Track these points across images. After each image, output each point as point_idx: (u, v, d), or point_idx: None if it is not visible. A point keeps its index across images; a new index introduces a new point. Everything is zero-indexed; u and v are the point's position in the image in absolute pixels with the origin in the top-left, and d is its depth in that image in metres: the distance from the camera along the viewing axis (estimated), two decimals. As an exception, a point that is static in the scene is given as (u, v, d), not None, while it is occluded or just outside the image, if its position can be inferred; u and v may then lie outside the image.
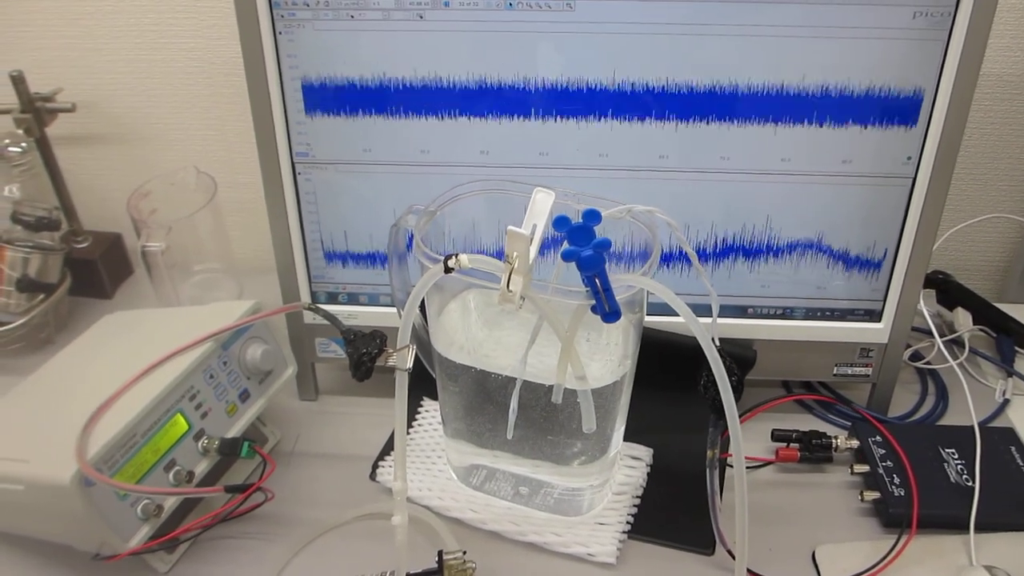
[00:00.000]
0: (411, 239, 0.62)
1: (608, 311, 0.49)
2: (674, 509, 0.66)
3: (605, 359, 0.58)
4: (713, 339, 0.52)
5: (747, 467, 0.70)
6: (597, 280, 0.48)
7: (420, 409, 0.75)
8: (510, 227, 0.47)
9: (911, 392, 0.76)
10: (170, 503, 0.58)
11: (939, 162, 0.62)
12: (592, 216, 0.47)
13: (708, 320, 0.56)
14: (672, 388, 0.70)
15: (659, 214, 0.54)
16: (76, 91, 0.87)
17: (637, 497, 0.66)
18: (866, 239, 0.66)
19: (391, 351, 0.53)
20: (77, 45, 0.89)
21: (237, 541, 0.64)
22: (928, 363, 0.78)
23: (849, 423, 0.72)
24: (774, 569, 0.60)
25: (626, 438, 0.68)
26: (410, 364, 0.52)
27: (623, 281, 0.49)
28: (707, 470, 0.61)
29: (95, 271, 0.89)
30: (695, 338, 0.69)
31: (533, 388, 0.58)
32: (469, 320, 0.62)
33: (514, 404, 0.58)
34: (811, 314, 0.70)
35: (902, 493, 0.62)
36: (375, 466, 0.70)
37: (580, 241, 0.47)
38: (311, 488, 0.69)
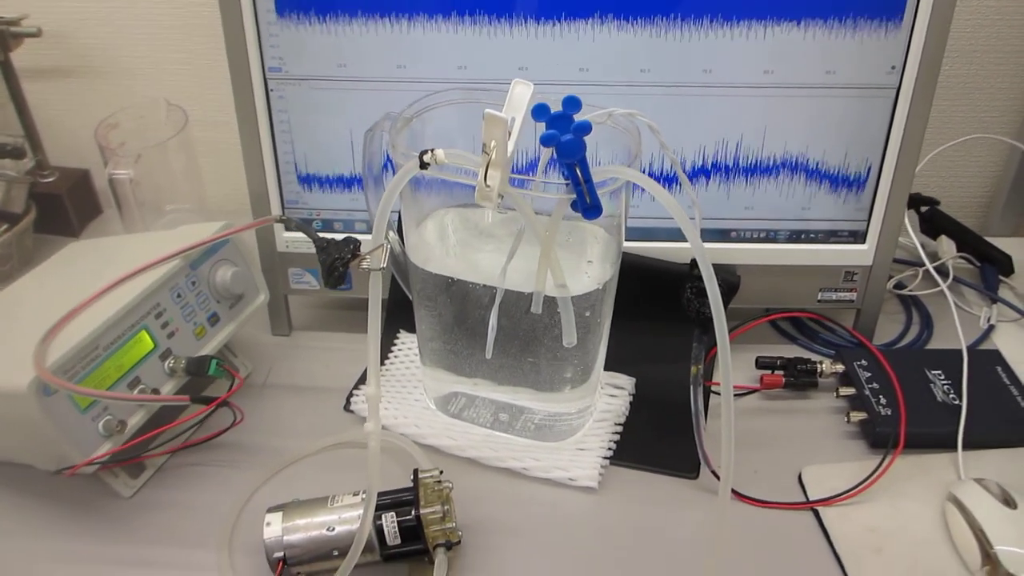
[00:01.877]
0: (389, 159, 0.60)
1: (589, 205, 0.47)
2: (657, 436, 0.64)
3: (584, 267, 0.56)
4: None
5: (737, 394, 0.69)
6: (578, 170, 0.46)
7: (396, 342, 0.73)
8: (487, 111, 0.45)
9: (895, 322, 0.75)
10: (134, 422, 0.56)
11: (923, 70, 0.60)
12: (572, 104, 0.45)
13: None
14: (654, 318, 0.69)
15: (640, 117, 0.52)
16: (42, 20, 0.84)
17: (619, 424, 0.65)
18: (850, 156, 0.65)
19: (364, 254, 0.51)
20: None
21: (204, 468, 0.62)
22: (912, 292, 0.77)
23: (833, 351, 0.71)
24: (760, 490, 0.58)
25: (608, 368, 0.66)
26: (384, 263, 0.50)
27: (606, 173, 0.47)
28: (691, 388, 0.59)
29: (61, 207, 0.86)
30: (676, 265, 0.68)
31: (512, 304, 0.56)
32: (447, 243, 0.60)
33: (493, 320, 0.56)
34: (795, 236, 0.69)
35: (889, 412, 0.61)
36: (350, 396, 0.68)
37: (560, 128, 0.45)
38: (282, 418, 0.67)
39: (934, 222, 0.81)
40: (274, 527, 0.52)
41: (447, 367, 0.63)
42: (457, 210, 0.59)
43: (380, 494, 0.53)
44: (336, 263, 0.53)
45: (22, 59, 0.85)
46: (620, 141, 0.53)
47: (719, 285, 0.47)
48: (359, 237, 0.56)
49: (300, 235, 0.71)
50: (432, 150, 0.47)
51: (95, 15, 0.89)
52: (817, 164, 0.65)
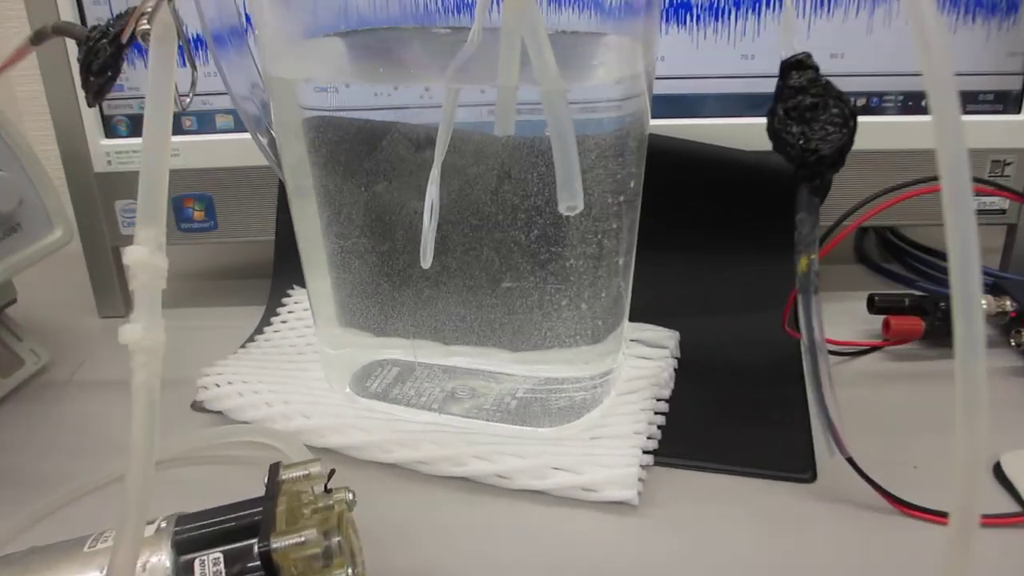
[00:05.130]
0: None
1: None
2: (727, 415, 0.37)
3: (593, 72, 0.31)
4: None
5: (841, 354, 0.42)
6: None
7: (286, 300, 0.46)
8: None
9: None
10: None
11: None
12: None
13: None
14: (705, 246, 0.44)
15: None
16: None
17: (661, 400, 0.37)
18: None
19: (144, 9, 0.25)
20: None
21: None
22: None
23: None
24: (930, 496, 0.31)
25: (640, 318, 0.40)
26: (177, 28, 0.24)
27: None
28: (800, 309, 0.32)
29: None
30: (739, 153, 0.43)
31: (466, 154, 0.30)
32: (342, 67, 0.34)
33: (434, 191, 0.30)
34: (907, 104, 0.44)
35: None
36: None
37: None
38: (87, 428, 0.39)
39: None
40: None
41: (363, 316, 0.36)
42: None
43: (197, 515, 0.25)
44: (98, 42, 0.26)
45: None
46: None
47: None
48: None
49: (131, 144, 0.45)
50: None
51: None
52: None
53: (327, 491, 0.27)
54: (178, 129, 0.45)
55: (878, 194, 0.39)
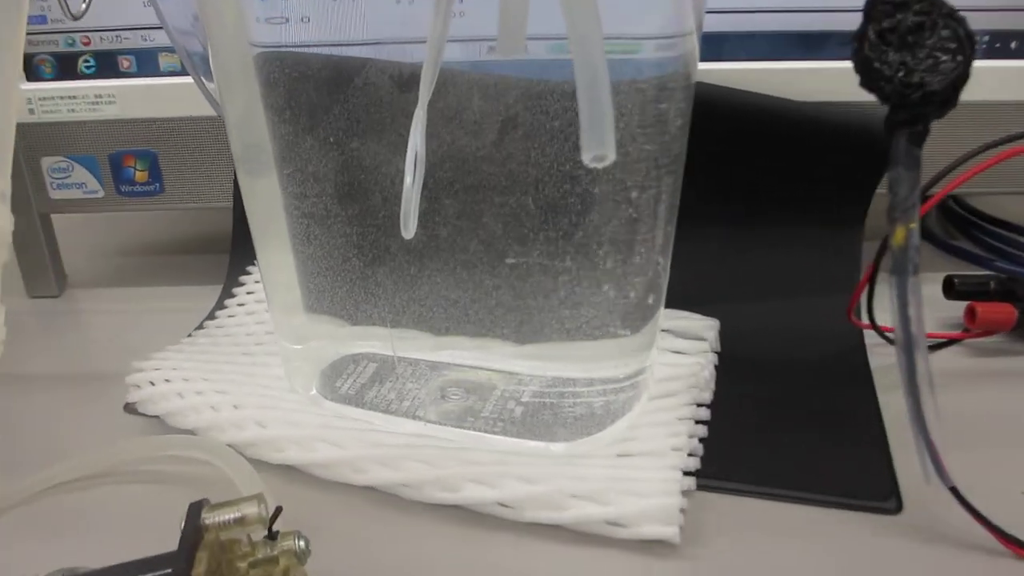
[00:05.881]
0: None
1: None
2: (783, 427, 0.30)
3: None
4: None
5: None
6: None
7: (246, 279, 0.39)
8: None
9: None
10: None
11: None
12: None
13: None
14: (750, 215, 0.37)
15: None
16: None
17: (702, 406, 0.30)
18: None
19: None
20: None
21: None
22: None
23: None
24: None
25: (671, 304, 0.33)
26: None
27: None
28: (893, 294, 0.25)
29: None
30: (795, 107, 0.35)
31: (461, 108, 0.23)
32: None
33: (419, 139, 0.23)
34: (998, 44, 0.36)
35: None
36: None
37: None
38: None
39: None
40: None
41: (331, 300, 0.29)
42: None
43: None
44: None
45: None
46: None
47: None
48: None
49: (60, 89, 0.37)
50: None
51: None
52: None
53: (271, 535, 0.20)
54: (113, 70, 0.37)
55: (973, 153, 0.31)
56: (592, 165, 0.21)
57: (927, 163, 0.33)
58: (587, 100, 0.20)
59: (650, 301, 0.27)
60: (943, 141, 0.36)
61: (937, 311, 0.36)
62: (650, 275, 0.27)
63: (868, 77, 0.24)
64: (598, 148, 0.21)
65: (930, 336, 0.35)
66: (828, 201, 0.36)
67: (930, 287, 0.37)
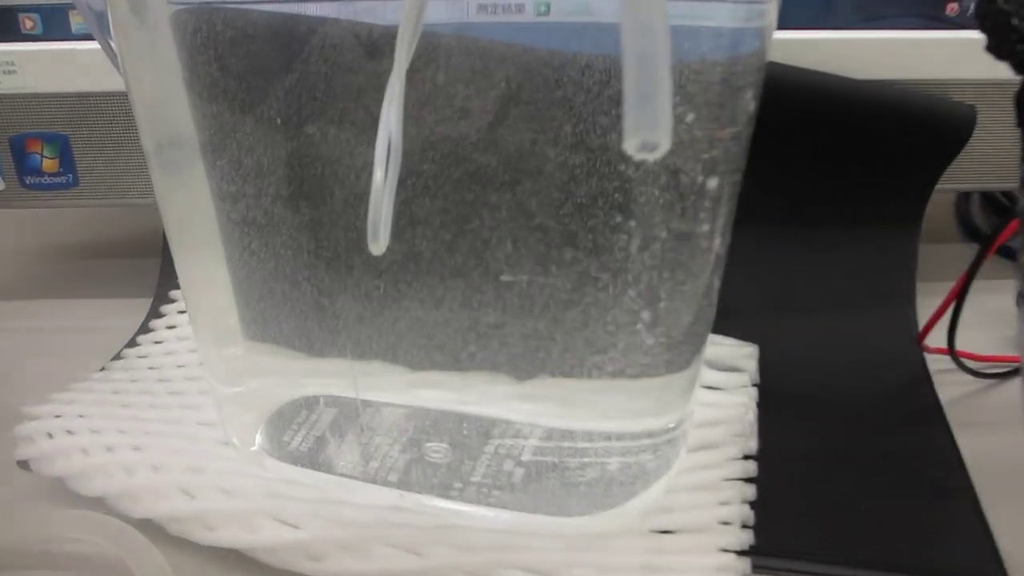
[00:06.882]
0: None
1: None
2: (846, 482, 0.24)
3: None
4: None
5: (982, 375, 0.29)
6: None
7: (177, 294, 0.32)
8: None
9: None
10: None
11: None
12: None
13: None
14: (795, 215, 0.31)
15: None
16: None
17: (749, 458, 0.24)
18: None
19: None
20: None
21: None
22: None
23: None
24: None
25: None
26: None
27: None
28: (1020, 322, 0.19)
29: None
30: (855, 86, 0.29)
31: (448, 81, 0.16)
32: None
33: (394, 118, 0.16)
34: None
35: None
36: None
37: None
38: None
39: None
40: None
41: (277, 327, 0.22)
42: None
43: None
44: None
45: None
46: None
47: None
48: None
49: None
50: None
51: None
52: None
53: None
54: (12, 31, 0.30)
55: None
56: (638, 157, 0.15)
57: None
58: (635, 68, 0.14)
59: (697, 333, 0.21)
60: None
61: (1003, 329, 0.31)
62: (700, 298, 0.20)
63: (997, 37, 0.18)
64: (649, 133, 0.14)
65: (1000, 359, 0.29)
66: (881, 196, 0.31)
67: (988, 296, 0.31)
